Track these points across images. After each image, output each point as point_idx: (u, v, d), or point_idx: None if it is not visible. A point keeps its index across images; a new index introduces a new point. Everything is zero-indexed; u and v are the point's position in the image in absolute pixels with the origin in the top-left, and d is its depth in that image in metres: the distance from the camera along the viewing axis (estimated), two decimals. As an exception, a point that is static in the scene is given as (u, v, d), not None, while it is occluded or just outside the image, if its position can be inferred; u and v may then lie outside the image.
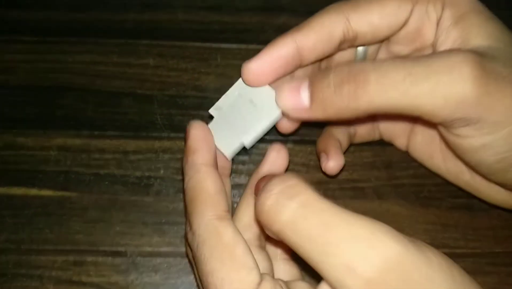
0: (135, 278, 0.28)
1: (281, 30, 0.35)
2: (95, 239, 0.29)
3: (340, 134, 0.29)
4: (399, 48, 0.27)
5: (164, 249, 0.29)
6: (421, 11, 0.25)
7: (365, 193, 0.31)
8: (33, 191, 0.30)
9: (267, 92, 0.25)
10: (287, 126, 0.27)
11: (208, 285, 0.21)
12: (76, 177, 0.30)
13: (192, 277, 0.29)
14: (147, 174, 0.31)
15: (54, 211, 0.29)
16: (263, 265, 0.24)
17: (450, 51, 0.23)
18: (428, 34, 0.25)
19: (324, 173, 0.28)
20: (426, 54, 0.25)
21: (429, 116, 0.22)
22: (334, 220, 0.19)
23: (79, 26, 0.34)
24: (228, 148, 0.26)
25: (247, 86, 0.26)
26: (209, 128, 0.25)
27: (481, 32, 0.23)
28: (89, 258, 0.29)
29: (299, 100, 0.23)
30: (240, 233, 0.22)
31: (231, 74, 0.34)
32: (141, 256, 0.29)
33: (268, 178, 0.21)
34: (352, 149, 0.32)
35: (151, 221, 0.30)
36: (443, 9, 0.24)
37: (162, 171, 0.31)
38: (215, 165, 0.24)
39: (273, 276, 0.24)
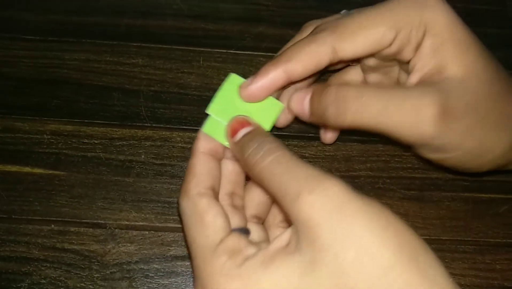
0: (112, 247, 0.31)
1: (259, 38, 0.39)
2: (78, 212, 0.32)
3: None
4: (380, 63, 0.30)
5: (140, 223, 0.32)
6: (403, 36, 0.27)
7: (325, 182, 0.34)
8: (26, 169, 0.33)
9: None
10: (285, 121, 0.32)
11: (187, 246, 0.25)
12: (65, 158, 0.34)
13: (163, 248, 0.32)
14: (129, 158, 0.34)
15: (44, 187, 0.33)
16: (234, 221, 0.27)
17: (421, 92, 0.26)
18: (408, 54, 0.28)
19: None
20: (401, 88, 0.28)
21: (398, 140, 0.28)
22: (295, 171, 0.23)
23: (77, 28, 0.39)
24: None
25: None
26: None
27: (456, 64, 0.27)
28: (72, 228, 0.32)
29: (303, 110, 0.28)
30: (216, 203, 0.25)
31: (211, 75, 0.38)
32: (119, 228, 0.32)
33: (245, 123, 0.26)
34: (315, 143, 0.36)
35: (130, 199, 0.33)
36: (424, 35, 0.27)
37: (143, 156, 0.34)
38: (214, 154, 0.27)
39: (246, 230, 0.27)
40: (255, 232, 0.28)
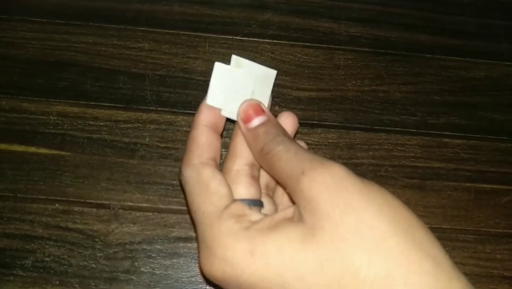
0: (115, 227, 0.32)
1: (265, 25, 0.39)
2: (83, 193, 0.33)
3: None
4: None
5: (143, 204, 0.33)
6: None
7: (327, 169, 0.35)
8: (32, 149, 0.34)
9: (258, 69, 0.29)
10: None
11: (191, 213, 0.26)
12: (71, 139, 0.34)
13: (166, 229, 0.32)
14: (134, 140, 0.35)
15: (49, 167, 0.33)
16: (251, 192, 0.27)
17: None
18: None
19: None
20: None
21: None
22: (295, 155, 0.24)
23: (85, 12, 0.39)
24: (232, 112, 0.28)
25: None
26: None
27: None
28: (76, 208, 0.32)
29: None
30: (219, 173, 0.26)
31: (216, 60, 0.38)
32: (123, 209, 0.32)
33: (259, 111, 0.26)
34: (319, 130, 0.36)
35: (134, 180, 0.33)
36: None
37: (147, 139, 0.35)
38: (215, 127, 0.28)
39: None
40: (267, 205, 0.28)
